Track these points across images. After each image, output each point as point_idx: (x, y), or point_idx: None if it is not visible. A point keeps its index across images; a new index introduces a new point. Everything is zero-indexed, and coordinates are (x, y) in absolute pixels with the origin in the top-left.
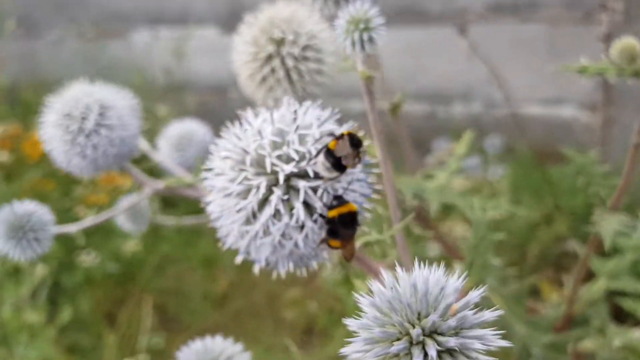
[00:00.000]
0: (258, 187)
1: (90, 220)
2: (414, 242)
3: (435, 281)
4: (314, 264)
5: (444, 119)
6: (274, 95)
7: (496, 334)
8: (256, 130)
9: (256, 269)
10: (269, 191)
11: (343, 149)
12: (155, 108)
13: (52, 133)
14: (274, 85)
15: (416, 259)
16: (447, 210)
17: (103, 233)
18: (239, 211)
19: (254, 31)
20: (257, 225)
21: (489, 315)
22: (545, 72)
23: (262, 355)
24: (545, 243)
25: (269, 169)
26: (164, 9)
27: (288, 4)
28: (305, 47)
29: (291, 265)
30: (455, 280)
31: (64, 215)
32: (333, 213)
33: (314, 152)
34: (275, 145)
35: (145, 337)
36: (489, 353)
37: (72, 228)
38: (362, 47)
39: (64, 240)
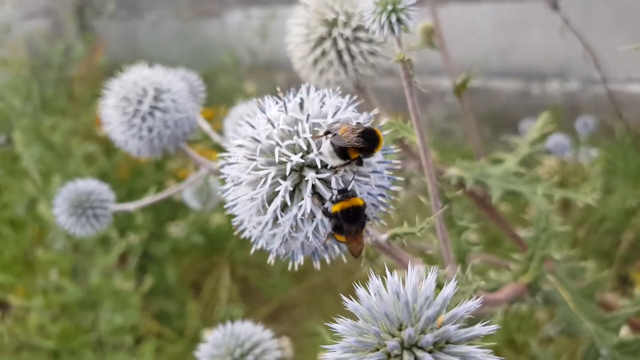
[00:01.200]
0: (266, 177)
1: (148, 199)
2: (457, 234)
3: (423, 289)
4: (328, 257)
5: (538, 96)
6: (326, 78)
7: (486, 352)
8: (269, 119)
9: (271, 259)
10: (278, 182)
11: (347, 138)
12: (245, 85)
13: (111, 115)
14: (326, 67)
15: (410, 264)
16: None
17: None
18: (249, 201)
19: (307, 12)
20: (267, 216)
21: (479, 330)
22: None
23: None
24: None
25: (276, 159)
26: None
27: None
28: (357, 28)
29: (302, 257)
30: (445, 290)
31: (157, 189)
32: (336, 208)
33: (324, 141)
34: (288, 135)
35: (225, 307)
36: None
37: (130, 206)
38: (392, 29)
39: (155, 212)
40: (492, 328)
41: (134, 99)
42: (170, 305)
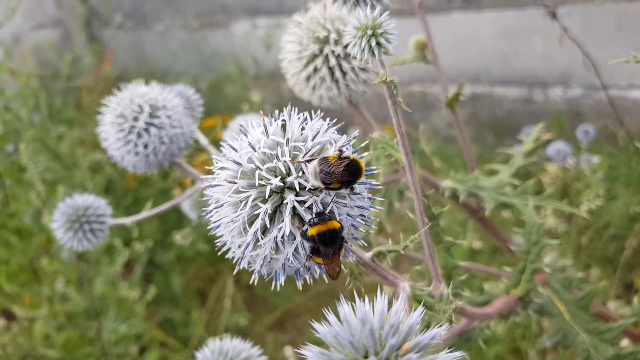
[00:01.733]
0: (247, 200)
1: (145, 213)
2: (444, 249)
3: (391, 316)
4: (310, 277)
5: (541, 103)
6: (319, 93)
7: None
8: (250, 142)
9: (254, 278)
10: (258, 205)
11: (333, 167)
12: (250, 94)
13: (107, 131)
14: (318, 83)
15: (379, 291)
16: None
17: None
18: (231, 223)
19: (299, 30)
20: (248, 238)
21: (442, 358)
22: None
23: None
24: None
25: (256, 183)
26: (262, 0)
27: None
28: (349, 45)
29: (284, 278)
30: (412, 317)
31: (163, 197)
32: (312, 231)
33: (304, 167)
34: (268, 158)
35: (231, 316)
36: None
37: (126, 220)
38: (372, 53)
39: (160, 220)
40: (456, 355)
41: (129, 116)
42: (176, 313)
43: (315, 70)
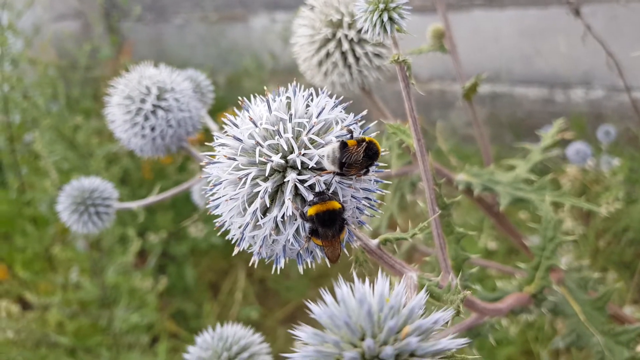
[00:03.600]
0: (246, 178)
1: (152, 198)
2: (455, 240)
3: (392, 298)
4: (310, 261)
5: (562, 104)
6: (331, 79)
7: None
8: (252, 117)
9: (254, 260)
10: (258, 183)
11: (354, 156)
12: (267, 89)
13: (114, 113)
14: (330, 68)
15: (381, 272)
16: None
17: None
18: (230, 201)
19: (312, 13)
20: (247, 218)
21: (445, 344)
22: None
23: None
24: None
25: (257, 160)
26: None
27: None
28: (359, 21)
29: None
30: (414, 300)
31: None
32: (311, 211)
33: (307, 143)
34: (271, 135)
35: (242, 309)
36: None
37: (133, 205)
38: (384, 28)
39: (175, 212)
40: (460, 342)
41: (137, 98)
42: (188, 305)
43: (328, 55)
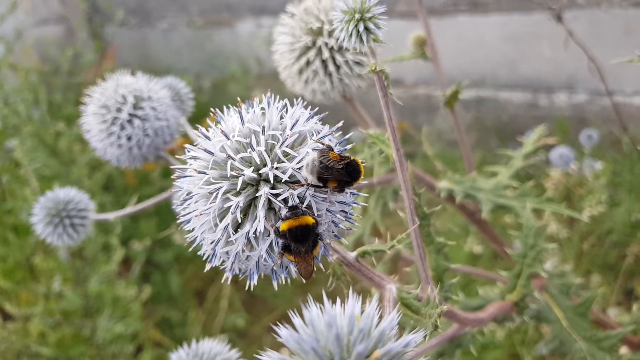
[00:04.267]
0: (217, 192)
1: (130, 208)
2: (435, 250)
3: (361, 320)
4: (285, 277)
5: (546, 108)
6: (311, 87)
7: None
8: (224, 130)
9: (226, 276)
10: (230, 198)
11: (333, 163)
12: (253, 94)
13: (90, 122)
14: (311, 76)
15: (352, 291)
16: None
17: None
18: (201, 216)
19: (292, 21)
20: (219, 233)
21: None
22: None
23: None
24: None
25: (228, 173)
26: (267, 0)
27: None
28: (336, 31)
29: (258, 277)
30: (384, 321)
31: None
32: (284, 226)
33: (280, 156)
34: (243, 147)
35: (229, 316)
36: None
37: (109, 216)
38: (360, 39)
39: (159, 219)
40: None
41: (113, 107)
42: (173, 313)
43: (308, 63)
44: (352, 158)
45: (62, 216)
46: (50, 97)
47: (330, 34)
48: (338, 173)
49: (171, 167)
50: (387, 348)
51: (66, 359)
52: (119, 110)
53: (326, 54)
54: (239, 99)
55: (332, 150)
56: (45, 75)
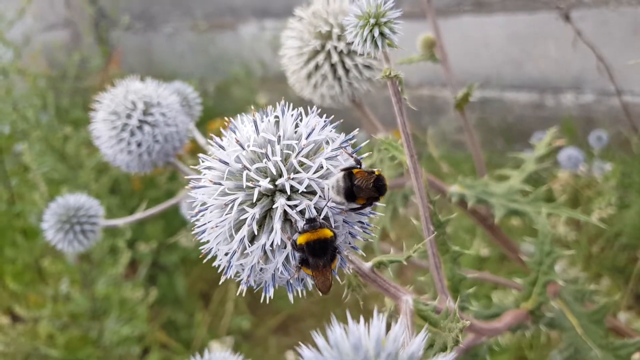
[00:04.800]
0: (233, 203)
1: (139, 214)
2: (451, 259)
3: (388, 343)
4: (302, 289)
5: (553, 108)
6: (320, 92)
7: None
8: (239, 140)
9: (241, 289)
10: (245, 209)
11: (365, 183)
12: (257, 97)
13: (100, 128)
14: (320, 81)
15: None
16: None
17: None
18: (216, 228)
19: (301, 25)
20: (234, 245)
21: None
22: None
23: None
24: None
25: (244, 184)
26: (270, 3)
27: None
28: (349, 36)
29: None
30: (412, 345)
31: (170, 198)
32: (301, 240)
33: (296, 166)
34: (259, 157)
35: (234, 318)
36: None
37: (119, 222)
38: (375, 44)
39: (165, 222)
40: None
41: (122, 113)
42: (179, 315)
43: (317, 67)
44: (377, 172)
45: (72, 222)
46: (57, 102)
47: (340, 37)
48: (370, 190)
49: (183, 175)
50: None
51: None
52: (128, 116)
53: (335, 57)
54: (252, 107)
55: (360, 166)
56: (52, 80)
